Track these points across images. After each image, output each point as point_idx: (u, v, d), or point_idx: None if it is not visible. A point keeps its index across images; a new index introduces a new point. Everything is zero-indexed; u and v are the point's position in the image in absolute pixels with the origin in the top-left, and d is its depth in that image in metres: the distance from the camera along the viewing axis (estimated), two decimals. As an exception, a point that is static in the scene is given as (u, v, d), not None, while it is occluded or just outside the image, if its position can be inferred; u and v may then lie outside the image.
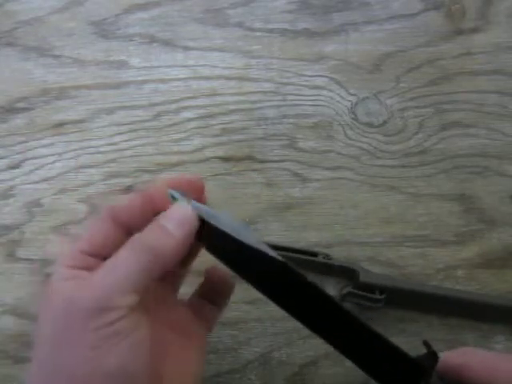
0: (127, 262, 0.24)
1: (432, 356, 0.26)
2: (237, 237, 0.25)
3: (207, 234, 0.26)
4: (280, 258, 0.25)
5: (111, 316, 0.23)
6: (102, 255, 0.26)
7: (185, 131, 0.41)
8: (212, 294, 0.32)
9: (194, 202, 0.27)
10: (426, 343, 0.26)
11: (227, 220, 0.26)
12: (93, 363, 0.23)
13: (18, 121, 0.42)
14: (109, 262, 0.24)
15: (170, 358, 0.26)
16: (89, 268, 0.25)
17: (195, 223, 0.26)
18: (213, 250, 0.27)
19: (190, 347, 0.28)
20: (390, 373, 0.25)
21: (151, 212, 0.27)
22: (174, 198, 0.27)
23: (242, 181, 0.40)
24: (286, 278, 0.25)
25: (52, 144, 0.41)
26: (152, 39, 0.42)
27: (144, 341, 0.24)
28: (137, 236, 0.25)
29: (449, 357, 0.27)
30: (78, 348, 0.23)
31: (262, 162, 0.40)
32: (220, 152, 0.41)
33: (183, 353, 0.27)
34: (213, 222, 0.26)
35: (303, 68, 0.41)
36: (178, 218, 0.25)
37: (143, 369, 0.24)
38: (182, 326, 0.29)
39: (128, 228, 0.26)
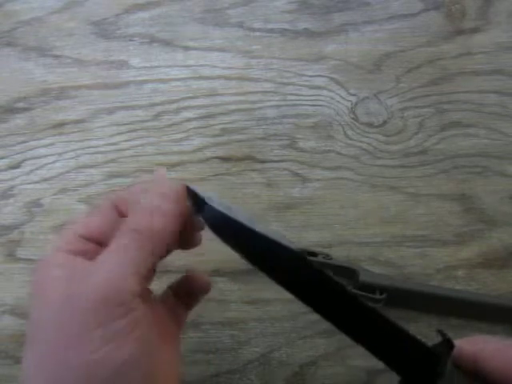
0: (128, 248, 0.23)
1: (447, 344, 0.26)
2: (255, 229, 0.25)
3: (222, 225, 0.26)
4: (296, 249, 0.25)
5: (122, 309, 0.22)
6: (99, 240, 0.25)
7: (185, 131, 0.41)
8: (186, 295, 0.31)
9: (211, 197, 0.26)
10: (440, 332, 0.27)
11: (243, 213, 0.26)
12: (104, 359, 0.21)
13: (18, 121, 0.42)
14: (108, 252, 0.23)
15: (159, 358, 0.25)
16: (85, 253, 0.24)
17: (183, 195, 0.25)
18: (226, 240, 0.27)
19: (171, 347, 0.27)
20: (406, 361, 0.26)
21: None
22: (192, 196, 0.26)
23: (242, 181, 0.40)
24: (300, 270, 0.25)
25: (52, 144, 0.41)
26: (152, 39, 0.42)
27: (150, 333, 0.23)
28: (130, 220, 0.24)
29: (462, 345, 0.27)
30: (86, 345, 0.21)
31: (262, 161, 0.40)
32: (220, 152, 0.41)
33: (167, 352, 0.26)
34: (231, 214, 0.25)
35: (303, 68, 0.41)
36: (158, 194, 0.25)
37: (151, 360, 0.23)
38: (161, 323, 0.28)
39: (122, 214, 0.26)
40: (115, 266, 0.23)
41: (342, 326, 0.25)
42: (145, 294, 0.24)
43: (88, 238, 0.25)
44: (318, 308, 0.25)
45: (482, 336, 0.29)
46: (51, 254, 0.24)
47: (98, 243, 0.25)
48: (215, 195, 0.26)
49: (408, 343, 0.25)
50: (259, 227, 0.25)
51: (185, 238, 0.28)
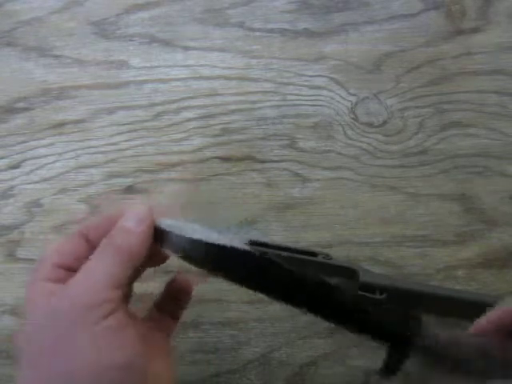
0: (103, 261, 0.26)
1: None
2: (206, 239, 0.27)
3: (174, 243, 0.28)
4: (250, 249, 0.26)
5: (103, 310, 0.24)
6: (71, 267, 0.27)
7: (185, 131, 0.41)
8: (171, 305, 0.33)
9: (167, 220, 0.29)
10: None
11: (199, 228, 0.28)
12: (97, 360, 0.23)
13: (18, 121, 0.42)
14: (86, 266, 0.26)
15: (149, 370, 0.27)
16: (61, 280, 0.26)
17: (151, 218, 0.28)
18: (187, 258, 0.28)
19: (161, 361, 0.29)
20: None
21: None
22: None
23: (242, 181, 0.40)
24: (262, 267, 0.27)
25: (52, 144, 0.41)
26: (152, 39, 0.42)
27: (137, 337, 0.25)
28: (106, 240, 0.27)
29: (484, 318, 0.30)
30: (77, 347, 0.23)
31: (262, 161, 0.40)
32: (220, 152, 0.41)
33: (157, 366, 0.28)
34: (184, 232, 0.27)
35: (303, 68, 0.41)
36: (137, 217, 0.28)
37: (143, 363, 0.25)
38: (148, 339, 0.29)
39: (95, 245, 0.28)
40: (95, 276, 0.25)
41: (313, 309, 0.26)
42: (125, 307, 0.27)
43: (61, 266, 0.27)
44: (287, 298, 0.26)
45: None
46: (32, 282, 0.27)
47: (71, 270, 0.27)
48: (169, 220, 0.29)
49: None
50: (211, 236, 0.27)
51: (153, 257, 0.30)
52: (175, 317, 0.33)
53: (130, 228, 0.27)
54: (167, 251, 0.28)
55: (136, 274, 0.31)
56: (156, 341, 0.30)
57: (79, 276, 0.25)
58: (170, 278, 0.32)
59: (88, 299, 0.24)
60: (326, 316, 0.26)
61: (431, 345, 0.26)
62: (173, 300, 0.33)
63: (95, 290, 0.25)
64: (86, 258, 0.27)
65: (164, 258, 0.31)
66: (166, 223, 0.28)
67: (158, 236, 0.28)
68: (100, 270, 0.26)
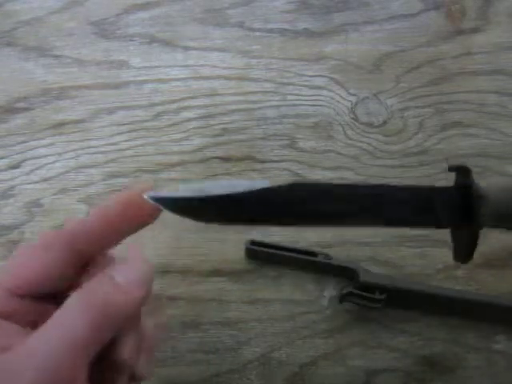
0: (78, 325, 0.19)
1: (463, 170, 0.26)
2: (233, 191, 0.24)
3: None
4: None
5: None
6: (38, 295, 0.21)
7: (185, 131, 0.41)
8: None
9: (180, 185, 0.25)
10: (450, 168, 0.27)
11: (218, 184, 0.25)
12: None
13: (18, 121, 0.42)
14: (55, 323, 0.19)
15: None
16: (16, 314, 0.20)
17: (153, 279, 0.22)
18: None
19: None
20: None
21: (118, 227, 0.23)
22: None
23: (242, 181, 0.40)
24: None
25: (52, 144, 0.41)
26: (152, 39, 0.42)
27: None
28: (88, 294, 0.20)
29: None
30: None
31: (262, 162, 0.40)
32: (220, 152, 0.41)
33: None
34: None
35: (303, 68, 0.41)
36: (137, 275, 0.21)
37: None
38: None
39: (82, 255, 0.22)
40: (61, 346, 0.18)
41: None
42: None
43: (20, 293, 0.20)
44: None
45: None
46: None
47: (35, 298, 0.21)
48: (183, 184, 0.24)
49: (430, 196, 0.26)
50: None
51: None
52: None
53: (127, 289, 0.21)
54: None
55: None
56: None
57: (36, 339, 0.18)
58: None
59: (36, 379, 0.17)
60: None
61: None
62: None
63: (56, 371, 0.18)
64: (65, 278, 0.21)
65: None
66: (184, 188, 0.24)
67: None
68: (72, 337, 0.18)
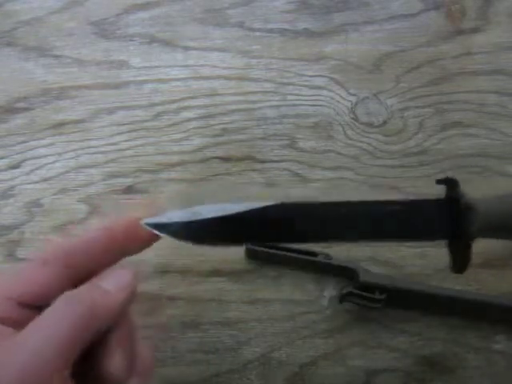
0: (63, 325, 0.20)
1: (451, 182, 0.27)
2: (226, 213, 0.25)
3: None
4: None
5: None
6: (36, 304, 0.22)
7: (185, 131, 0.41)
8: None
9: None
10: (438, 181, 0.27)
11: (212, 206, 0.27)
12: None
13: (18, 121, 0.42)
14: (41, 323, 0.20)
15: None
16: (17, 322, 0.21)
17: (134, 284, 0.24)
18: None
19: None
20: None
21: (117, 251, 0.24)
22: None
23: (242, 181, 0.40)
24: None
25: (52, 144, 0.41)
26: (152, 39, 0.42)
27: None
28: (73, 296, 0.21)
29: None
30: None
31: (262, 161, 0.40)
32: (220, 152, 0.41)
33: None
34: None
35: (303, 68, 0.41)
36: (120, 281, 0.23)
37: None
38: None
39: (77, 271, 0.23)
40: (46, 344, 0.20)
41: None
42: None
43: (22, 303, 0.22)
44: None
45: None
46: None
47: (34, 308, 0.22)
48: (176, 210, 0.26)
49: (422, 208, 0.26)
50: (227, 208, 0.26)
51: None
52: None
53: (108, 290, 0.22)
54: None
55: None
56: None
57: (25, 336, 0.20)
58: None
59: (25, 378, 0.19)
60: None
61: None
62: None
63: (40, 364, 0.19)
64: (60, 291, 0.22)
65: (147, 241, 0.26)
66: (174, 215, 0.26)
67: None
68: (57, 336, 0.20)
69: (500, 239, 0.28)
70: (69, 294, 0.21)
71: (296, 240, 0.27)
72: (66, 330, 0.20)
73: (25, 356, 0.19)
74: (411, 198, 0.27)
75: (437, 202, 0.27)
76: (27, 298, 0.22)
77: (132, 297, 0.23)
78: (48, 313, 0.21)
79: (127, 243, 0.25)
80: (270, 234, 0.26)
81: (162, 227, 0.26)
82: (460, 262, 0.27)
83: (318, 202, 0.27)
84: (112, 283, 0.23)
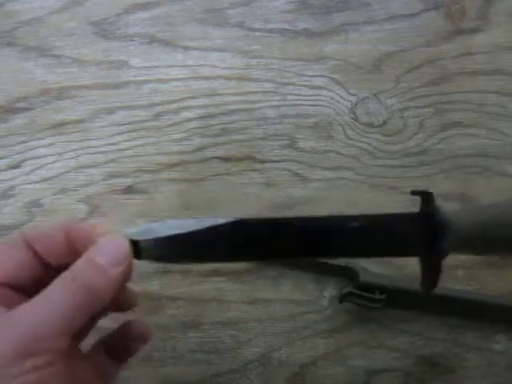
0: (60, 301, 0.21)
1: (426, 196, 0.26)
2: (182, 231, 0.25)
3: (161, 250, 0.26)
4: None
5: (38, 361, 0.20)
6: (13, 285, 0.24)
7: (185, 131, 0.41)
8: (121, 349, 0.28)
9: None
10: (413, 192, 0.27)
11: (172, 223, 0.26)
12: None
13: (18, 121, 0.42)
14: (38, 300, 0.22)
15: None
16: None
17: (130, 258, 0.24)
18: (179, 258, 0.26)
19: None
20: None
21: (73, 247, 0.25)
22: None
23: (242, 181, 0.40)
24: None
25: (52, 144, 0.41)
26: (152, 39, 0.42)
27: None
28: (69, 273, 0.23)
29: None
30: None
31: (262, 161, 0.40)
32: (220, 152, 0.41)
33: None
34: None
35: (303, 68, 0.41)
36: (114, 255, 0.23)
37: None
38: (83, 379, 0.25)
39: (44, 259, 0.24)
40: (44, 317, 0.21)
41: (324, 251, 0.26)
42: (71, 352, 0.23)
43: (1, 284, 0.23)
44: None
45: None
46: None
47: (11, 288, 0.24)
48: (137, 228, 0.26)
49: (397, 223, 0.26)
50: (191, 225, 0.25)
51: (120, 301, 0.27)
52: (122, 359, 0.28)
53: (105, 268, 0.23)
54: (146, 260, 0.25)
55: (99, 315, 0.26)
56: None
57: (25, 310, 0.21)
58: (124, 322, 0.29)
59: (22, 347, 0.20)
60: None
61: None
62: (123, 343, 0.28)
63: (37, 336, 0.20)
64: (34, 275, 0.23)
65: (132, 304, 0.28)
66: (132, 232, 0.25)
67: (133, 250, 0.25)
68: (54, 311, 0.21)
69: (475, 255, 0.28)
70: (64, 276, 0.22)
71: (253, 260, 0.26)
72: (60, 309, 0.21)
73: (23, 326, 0.21)
74: (387, 213, 0.26)
75: (410, 216, 0.26)
76: (5, 278, 0.23)
77: (129, 270, 0.24)
78: (48, 290, 0.22)
79: (84, 239, 0.25)
80: (222, 253, 0.26)
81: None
82: (430, 278, 0.27)
83: (281, 220, 0.26)
84: (107, 257, 0.23)
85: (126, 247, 0.24)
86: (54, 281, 0.22)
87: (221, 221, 0.25)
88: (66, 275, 0.23)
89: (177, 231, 0.25)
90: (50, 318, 0.21)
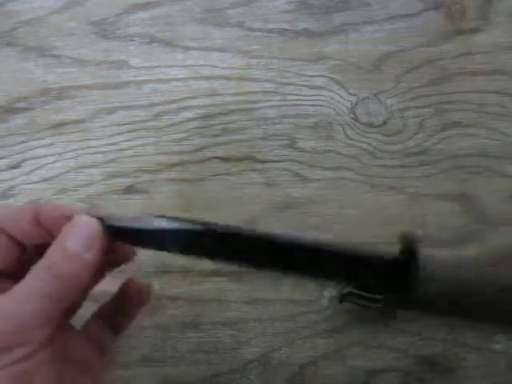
0: (36, 291, 0.21)
1: (410, 250, 0.26)
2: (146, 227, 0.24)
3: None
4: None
5: (18, 353, 0.20)
6: None
7: (185, 131, 0.41)
8: (120, 314, 0.28)
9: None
10: (401, 237, 0.27)
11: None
12: None
13: (18, 121, 0.42)
14: (14, 292, 0.22)
15: None
16: None
17: (103, 238, 0.23)
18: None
19: (87, 379, 0.25)
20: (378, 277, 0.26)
21: (44, 227, 0.24)
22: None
23: (242, 181, 0.40)
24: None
25: (52, 144, 0.41)
26: (152, 39, 0.42)
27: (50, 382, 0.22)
28: (44, 262, 0.23)
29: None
30: None
31: (262, 162, 0.40)
32: (220, 152, 0.41)
33: None
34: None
35: (303, 68, 0.41)
36: (86, 239, 0.23)
37: None
38: (78, 357, 0.25)
39: (19, 240, 0.25)
40: (20, 309, 0.21)
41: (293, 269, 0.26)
42: (60, 332, 0.23)
43: None
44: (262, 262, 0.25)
45: None
46: None
47: None
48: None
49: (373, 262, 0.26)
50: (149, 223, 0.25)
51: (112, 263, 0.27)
52: (118, 329, 0.28)
53: (76, 253, 0.22)
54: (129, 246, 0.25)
55: (82, 296, 0.27)
56: (87, 358, 0.25)
57: (2, 303, 0.21)
58: (124, 280, 0.29)
59: (2, 339, 0.20)
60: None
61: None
62: (122, 308, 0.28)
63: (15, 329, 0.20)
64: (11, 257, 0.24)
65: (126, 257, 0.27)
66: (113, 219, 0.24)
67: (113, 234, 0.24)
68: (30, 302, 0.21)
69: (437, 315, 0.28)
70: (40, 264, 0.22)
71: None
72: (38, 302, 0.21)
73: (4, 310, 0.21)
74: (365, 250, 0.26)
75: (385, 260, 0.26)
76: None
77: (103, 250, 0.23)
78: (22, 284, 0.22)
79: (52, 224, 0.24)
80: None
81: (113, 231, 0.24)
82: (391, 312, 0.27)
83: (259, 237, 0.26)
84: (79, 242, 0.23)
85: (97, 229, 0.23)
86: (30, 270, 0.22)
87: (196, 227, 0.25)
88: (41, 263, 0.22)
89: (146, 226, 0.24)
90: (27, 310, 0.21)
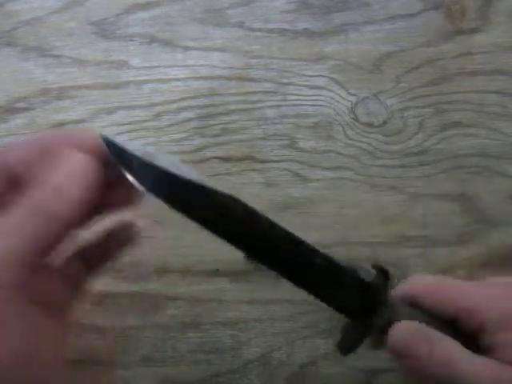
0: (16, 230, 0.20)
1: (383, 275, 0.26)
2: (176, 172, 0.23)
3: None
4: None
5: None
6: None
7: (185, 131, 0.41)
8: (100, 255, 0.26)
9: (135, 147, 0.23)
10: (374, 266, 0.27)
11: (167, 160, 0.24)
12: None
13: (18, 121, 0.42)
14: None
15: (42, 343, 0.22)
16: None
17: (96, 172, 0.22)
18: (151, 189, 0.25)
19: (55, 321, 0.23)
20: (344, 296, 0.26)
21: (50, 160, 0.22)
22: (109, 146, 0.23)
23: (242, 181, 0.40)
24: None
25: (52, 144, 0.41)
26: (152, 39, 0.42)
27: (21, 329, 0.20)
28: (23, 198, 0.20)
29: (402, 286, 0.28)
30: None
31: (262, 162, 0.40)
32: (220, 152, 0.41)
33: (52, 334, 0.23)
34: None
35: (303, 68, 0.41)
36: (71, 171, 0.21)
37: (17, 361, 0.20)
38: (50, 296, 0.23)
39: (16, 177, 0.22)
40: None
41: (275, 265, 0.26)
42: (29, 270, 0.21)
43: None
44: (250, 246, 0.26)
45: (420, 275, 0.29)
46: None
47: None
48: (139, 144, 0.24)
49: (344, 277, 0.26)
50: (182, 171, 0.24)
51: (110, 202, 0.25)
52: (95, 268, 0.26)
53: (63, 189, 0.20)
54: (130, 179, 0.23)
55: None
56: (59, 300, 0.23)
57: None
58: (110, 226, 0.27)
59: None
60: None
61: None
62: (105, 247, 0.26)
63: None
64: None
65: (125, 198, 0.25)
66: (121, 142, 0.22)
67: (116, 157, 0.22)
68: (8, 243, 0.19)
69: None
70: (21, 202, 0.20)
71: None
72: (14, 241, 0.20)
73: None
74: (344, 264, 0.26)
75: (359, 283, 0.26)
76: None
77: (94, 186, 0.21)
78: (1, 221, 0.20)
79: (62, 147, 0.22)
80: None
81: (118, 153, 0.23)
82: (350, 343, 0.27)
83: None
84: (61, 176, 0.21)
85: (86, 162, 0.21)
86: (13, 208, 0.20)
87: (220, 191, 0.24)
88: (21, 199, 0.20)
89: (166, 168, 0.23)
90: (3, 250, 0.20)
